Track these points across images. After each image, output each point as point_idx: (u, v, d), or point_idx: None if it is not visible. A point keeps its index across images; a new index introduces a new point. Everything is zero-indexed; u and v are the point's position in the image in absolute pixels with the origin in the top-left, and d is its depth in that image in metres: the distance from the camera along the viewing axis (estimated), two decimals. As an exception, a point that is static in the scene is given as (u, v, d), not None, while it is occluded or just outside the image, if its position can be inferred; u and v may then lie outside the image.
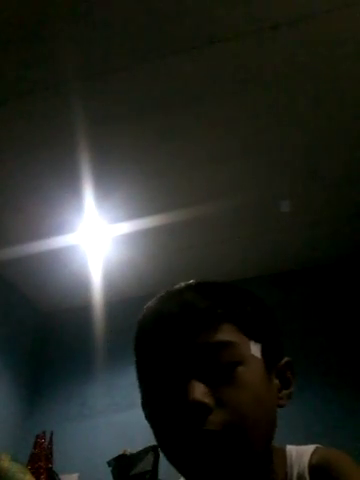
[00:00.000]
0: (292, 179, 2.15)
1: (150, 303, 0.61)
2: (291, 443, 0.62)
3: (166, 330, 0.55)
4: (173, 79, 1.74)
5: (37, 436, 2.13)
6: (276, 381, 0.58)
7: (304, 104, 1.83)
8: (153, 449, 1.97)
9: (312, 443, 0.61)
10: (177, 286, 0.61)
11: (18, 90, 1.75)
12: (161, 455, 2.22)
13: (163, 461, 1.98)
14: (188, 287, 0.60)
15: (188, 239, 2.48)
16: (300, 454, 0.58)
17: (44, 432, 2.16)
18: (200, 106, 1.83)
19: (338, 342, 2.37)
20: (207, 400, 0.50)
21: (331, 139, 1.97)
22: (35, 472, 1.95)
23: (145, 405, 0.60)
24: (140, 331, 0.60)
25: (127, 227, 2.34)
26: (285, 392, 0.58)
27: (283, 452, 0.59)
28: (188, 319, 0.54)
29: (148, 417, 0.59)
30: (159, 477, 1.93)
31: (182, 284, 0.62)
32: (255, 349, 0.55)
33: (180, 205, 2.24)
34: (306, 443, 0.62)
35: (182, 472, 0.54)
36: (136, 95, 1.78)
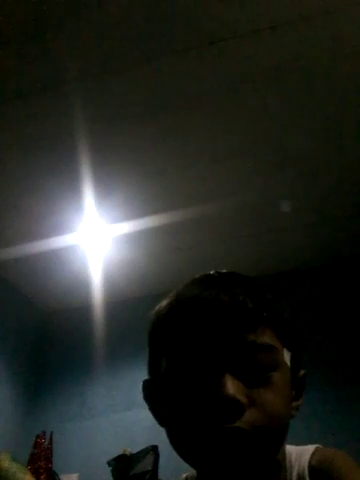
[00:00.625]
0: (292, 179, 2.15)
1: (189, 285, 0.58)
2: (291, 443, 0.62)
3: (212, 317, 0.52)
4: (173, 79, 1.74)
5: (37, 436, 2.14)
6: (293, 392, 0.58)
7: (304, 104, 1.83)
8: (153, 449, 1.97)
9: (312, 443, 0.61)
10: (215, 273, 0.60)
11: (18, 90, 1.75)
12: (161, 455, 2.22)
13: (163, 461, 1.99)
14: (232, 278, 0.58)
15: (188, 239, 2.48)
16: (300, 454, 0.58)
17: (44, 432, 2.16)
18: (200, 106, 1.83)
19: (338, 342, 2.37)
20: (242, 398, 0.49)
21: (331, 139, 1.97)
22: (35, 472, 1.95)
23: (157, 390, 0.57)
24: (177, 308, 0.56)
25: (127, 227, 2.34)
26: (295, 404, 0.58)
27: (283, 452, 0.59)
28: (237, 313, 0.52)
29: (161, 403, 0.56)
30: (159, 477, 1.93)
31: (222, 272, 0.60)
32: (287, 357, 0.55)
33: (180, 205, 2.24)
34: (306, 443, 0.62)
35: (195, 465, 0.53)
36: (136, 95, 1.78)
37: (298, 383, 0.59)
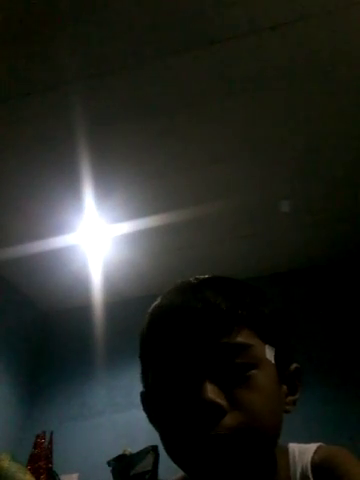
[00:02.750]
0: (292, 179, 2.15)
1: (166, 295, 0.59)
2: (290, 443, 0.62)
3: (184, 325, 0.53)
4: (173, 79, 1.74)
5: (37, 436, 2.13)
6: (284, 387, 0.57)
7: (304, 104, 1.83)
8: (153, 449, 1.97)
9: (312, 443, 0.61)
10: (193, 280, 0.60)
11: (18, 90, 1.75)
12: (161, 455, 2.22)
13: (163, 461, 1.99)
14: (207, 283, 0.58)
15: (188, 239, 2.48)
16: (302, 452, 0.58)
17: (44, 432, 2.16)
18: (200, 106, 1.83)
19: (338, 342, 2.37)
20: (221, 401, 0.49)
21: (331, 139, 1.97)
22: (35, 472, 1.95)
23: (149, 401, 0.59)
24: (154, 322, 0.57)
25: (127, 227, 2.34)
26: (291, 398, 0.58)
27: (286, 450, 0.59)
28: (209, 318, 0.53)
29: (153, 414, 0.58)
30: (159, 477, 1.93)
31: (200, 278, 0.60)
32: (269, 353, 0.55)
33: (180, 205, 2.24)
34: (306, 443, 0.62)
35: (187, 472, 0.53)
36: (136, 95, 1.78)
37: (290, 377, 0.59)
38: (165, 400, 0.53)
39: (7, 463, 1.79)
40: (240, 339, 0.52)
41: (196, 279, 0.60)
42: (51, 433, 2.17)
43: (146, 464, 1.93)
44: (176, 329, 0.53)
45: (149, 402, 0.59)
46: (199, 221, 2.34)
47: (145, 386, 0.60)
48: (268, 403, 0.52)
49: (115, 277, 2.67)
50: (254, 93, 1.78)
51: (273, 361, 0.55)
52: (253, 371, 0.52)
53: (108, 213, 2.27)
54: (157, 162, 2.05)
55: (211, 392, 0.49)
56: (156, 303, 0.59)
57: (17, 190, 2.15)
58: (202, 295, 0.55)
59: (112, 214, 2.27)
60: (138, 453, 2.00)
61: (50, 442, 2.14)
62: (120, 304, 2.81)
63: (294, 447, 0.60)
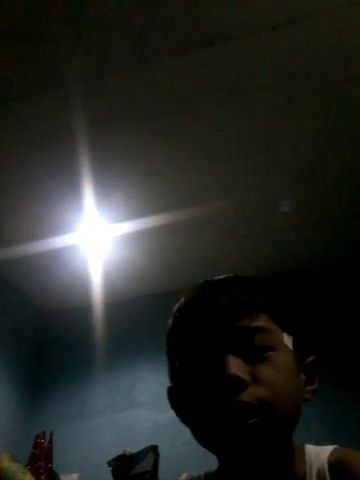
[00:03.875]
0: (292, 179, 2.15)
1: (190, 292, 0.63)
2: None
3: (208, 315, 0.57)
4: (173, 79, 1.74)
5: (37, 436, 2.13)
6: (303, 376, 0.61)
7: (304, 104, 1.83)
8: (153, 449, 1.97)
9: (312, 443, 0.62)
10: (217, 278, 0.64)
11: (18, 90, 1.75)
12: (161, 455, 2.22)
13: (163, 461, 1.99)
14: (229, 280, 0.63)
15: (188, 239, 2.47)
16: (319, 453, 0.59)
17: (44, 432, 2.16)
18: (200, 106, 1.83)
19: (338, 342, 2.37)
20: (243, 375, 0.53)
21: (331, 139, 1.97)
22: (35, 472, 1.95)
23: (177, 392, 0.62)
24: (180, 316, 0.62)
25: (127, 227, 2.34)
26: (310, 388, 0.62)
27: (302, 450, 0.61)
28: (230, 307, 0.57)
29: (181, 401, 0.61)
30: (159, 477, 1.93)
31: (222, 276, 0.65)
32: (287, 340, 0.59)
33: (180, 205, 2.24)
34: (305, 443, 0.62)
35: (210, 444, 0.56)
36: (136, 95, 1.78)
37: (308, 368, 0.63)
38: (192, 381, 0.57)
39: (7, 463, 1.79)
40: (258, 323, 0.57)
41: (218, 277, 0.65)
42: (51, 433, 2.17)
43: (146, 464, 1.93)
44: (200, 319, 0.58)
45: (176, 393, 0.63)
46: (199, 221, 2.34)
47: (172, 378, 0.64)
48: (288, 382, 0.55)
49: (115, 277, 2.67)
50: (254, 93, 1.78)
51: (291, 347, 0.59)
52: (272, 352, 0.56)
53: (108, 213, 2.27)
54: (157, 162, 2.05)
55: (234, 367, 0.53)
56: (180, 301, 0.64)
57: (17, 190, 2.15)
58: (223, 289, 0.60)
59: (112, 214, 2.27)
60: (138, 453, 2.00)
61: (50, 442, 2.14)
62: (120, 304, 2.81)
63: (310, 447, 0.61)
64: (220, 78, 1.73)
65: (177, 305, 0.64)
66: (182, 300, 0.63)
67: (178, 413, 0.64)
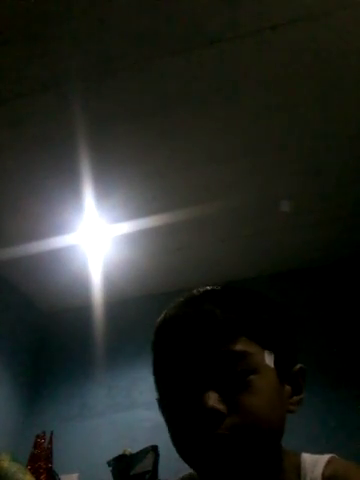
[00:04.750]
0: (292, 179, 2.15)
1: (169, 308, 0.63)
2: (291, 444, 0.63)
3: (184, 339, 0.57)
4: (173, 79, 1.74)
5: (37, 436, 2.14)
6: (288, 387, 0.60)
7: (304, 104, 1.83)
8: (153, 449, 1.97)
9: (312, 444, 0.62)
10: (195, 291, 0.63)
11: (18, 90, 1.75)
12: (161, 455, 2.22)
13: (163, 461, 1.99)
14: (206, 295, 0.62)
15: (188, 239, 2.48)
16: (314, 463, 0.59)
17: (44, 432, 2.16)
18: (200, 106, 1.83)
19: (338, 342, 2.37)
20: (220, 407, 0.52)
21: (332, 139, 1.97)
22: (35, 472, 1.95)
23: (162, 407, 0.62)
24: (158, 335, 0.62)
25: (127, 227, 2.34)
26: (296, 398, 0.60)
27: (297, 458, 0.60)
28: (206, 329, 0.56)
29: (165, 418, 0.61)
30: (159, 477, 1.93)
31: (200, 290, 0.63)
32: (269, 359, 0.57)
33: (180, 205, 2.24)
34: (306, 444, 0.62)
35: (194, 469, 0.57)
36: (136, 95, 1.78)
37: (294, 378, 0.61)
38: (173, 407, 0.58)
39: (7, 463, 1.79)
40: (236, 347, 0.55)
41: (198, 291, 0.63)
42: (51, 433, 2.17)
43: (146, 464, 1.93)
44: (178, 342, 0.58)
45: (162, 408, 0.63)
46: (199, 221, 2.34)
47: (158, 394, 0.63)
48: (266, 405, 0.54)
49: (115, 277, 2.67)
50: (254, 93, 1.78)
51: (272, 365, 0.57)
52: (252, 376, 0.55)
53: (108, 213, 2.27)
54: (157, 162, 2.05)
55: (212, 400, 0.53)
56: (161, 317, 0.63)
57: (17, 190, 2.15)
58: (202, 307, 0.58)
59: (112, 214, 2.27)
60: (138, 453, 2.00)
61: (50, 442, 2.14)
62: (120, 304, 2.81)
63: (306, 456, 0.61)
64: (220, 78, 1.73)
65: (157, 322, 0.63)
66: (161, 317, 0.63)
67: (166, 424, 0.64)
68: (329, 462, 0.58)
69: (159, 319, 0.63)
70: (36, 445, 2.10)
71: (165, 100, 1.80)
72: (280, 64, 1.69)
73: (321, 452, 0.62)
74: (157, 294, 2.78)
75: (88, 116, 1.84)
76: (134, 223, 2.31)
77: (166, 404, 0.60)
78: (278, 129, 1.93)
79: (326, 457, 0.59)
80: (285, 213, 2.27)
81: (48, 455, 2.09)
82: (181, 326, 0.58)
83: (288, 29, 1.58)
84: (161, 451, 1.99)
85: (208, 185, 2.16)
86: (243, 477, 0.52)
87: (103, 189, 2.13)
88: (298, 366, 0.62)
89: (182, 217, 2.29)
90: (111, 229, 2.35)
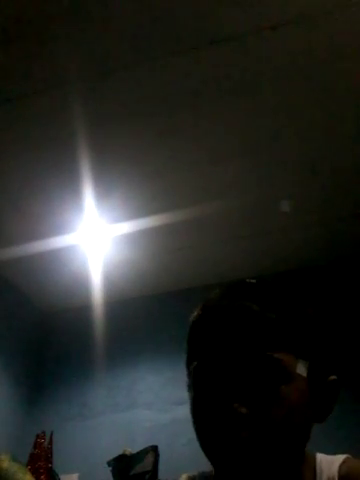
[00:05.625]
0: (292, 179, 2.15)
1: (217, 295, 0.62)
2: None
3: (230, 331, 0.57)
4: (173, 79, 1.74)
5: (37, 436, 2.13)
6: (319, 397, 0.59)
7: (304, 104, 1.83)
8: (153, 449, 1.97)
9: (312, 444, 0.61)
10: (238, 284, 0.63)
11: (18, 90, 1.75)
12: (161, 455, 2.21)
13: (163, 461, 1.99)
14: (249, 290, 0.61)
15: (188, 239, 2.48)
16: (329, 463, 0.59)
17: (44, 432, 2.16)
18: (200, 106, 1.83)
19: (338, 342, 2.37)
20: (246, 411, 0.53)
21: (331, 139, 1.97)
22: (35, 472, 1.95)
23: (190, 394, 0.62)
24: (197, 327, 0.61)
25: (127, 227, 2.34)
26: (324, 409, 0.60)
27: (313, 459, 0.61)
28: (245, 329, 0.56)
29: (191, 408, 0.61)
30: (159, 477, 1.93)
31: (251, 281, 0.63)
32: (302, 368, 0.57)
33: (180, 205, 2.24)
34: (310, 446, 0.62)
35: (214, 466, 0.57)
36: (136, 95, 1.78)
37: (326, 388, 0.60)
38: (200, 396, 0.58)
39: (7, 463, 1.79)
40: (275, 355, 0.55)
41: (242, 283, 0.63)
42: (51, 433, 2.17)
43: (146, 464, 1.93)
44: (228, 330, 0.57)
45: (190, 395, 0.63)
46: (199, 221, 2.34)
47: (188, 375, 0.63)
48: (292, 416, 0.54)
49: (115, 277, 2.67)
50: (254, 93, 1.78)
51: (305, 375, 0.57)
52: (282, 386, 0.54)
53: (108, 213, 2.27)
54: (157, 162, 2.05)
55: (239, 401, 0.53)
56: (208, 298, 0.63)
57: (17, 190, 2.15)
58: (243, 305, 0.58)
59: (112, 214, 2.27)
60: (138, 453, 2.00)
61: (50, 442, 2.14)
62: (120, 304, 2.81)
63: (321, 457, 0.61)
64: (220, 78, 1.73)
65: (195, 314, 0.63)
66: (212, 299, 0.62)
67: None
68: (344, 462, 0.59)
69: (201, 304, 0.63)
70: (36, 445, 2.10)
71: (165, 100, 1.80)
72: (280, 64, 1.69)
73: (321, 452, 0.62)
74: (157, 294, 2.78)
75: (88, 116, 1.84)
76: (134, 223, 2.31)
77: (195, 396, 0.59)
78: (278, 129, 1.92)
79: (341, 457, 0.60)
80: (285, 213, 2.27)
81: (48, 455, 2.09)
82: (227, 317, 0.57)
83: (288, 29, 1.58)
84: (161, 451, 1.99)
85: (208, 185, 2.16)
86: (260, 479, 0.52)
87: (103, 189, 2.13)
88: (332, 377, 0.62)
89: (182, 217, 2.29)
90: (111, 229, 2.35)
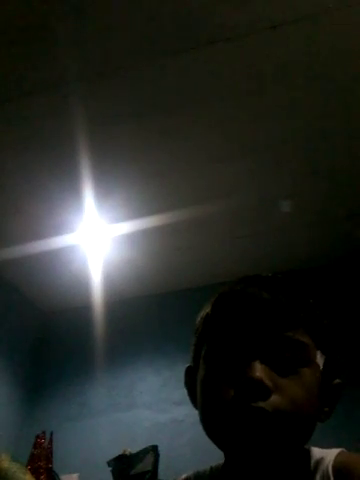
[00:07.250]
0: (292, 179, 2.15)
1: (238, 282, 0.62)
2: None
3: (250, 311, 0.57)
4: (173, 79, 1.74)
5: (37, 436, 2.14)
6: (324, 396, 0.60)
7: (304, 104, 1.83)
8: (153, 449, 1.97)
9: (312, 443, 0.62)
10: (263, 275, 0.64)
11: (18, 90, 1.75)
12: (161, 455, 2.21)
13: (163, 461, 1.99)
14: (277, 280, 0.62)
15: (188, 239, 2.48)
16: (324, 456, 0.59)
17: (44, 432, 2.16)
18: (200, 106, 1.83)
19: (338, 342, 2.37)
20: (268, 382, 0.52)
21: (331, 139, 1.97)
22: (35, 472, 1.95)
23: (195, 374, 0.62)
24: (223, 302, 0.61)
25: (127, 227, 2.34)
26: (326, 410, 0.61)
27: (308, 452, 0.61)
28: (274, 311, 0.57)
29: (196, 385, 0.61)
30: (159, 477, 1.93)
31: (271, 274, 0.64)
32: (320, 359, 0.59)
33: (180, 205, 2.24)
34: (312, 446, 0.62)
35: (219, 442, 0.56)
36: (136, 95, 1.78)
37: (330, 390, 0.62)
38: (214, 370, 0.57)
39: (7, 463, 1.79)
40: (299, 337, 0.56)
41: (266, 275, 0.64)
42: (51, 433, 2.17)
43: (146, 464, 1.93)
44: (242, 312, 0.57)
45: (194, 376, 0.63)
46: (199, 221, 2.34)
47: (195, 359, 0.63)
48: (307, 399, 0.55)
49: (115, 277, 2.67)
50: (254, 93, 1.78)
51: (321, 367, 0.58)
52: (303, 368, 0.56)
53: (108, 213, 2.27)
54: (157, 162, 2.05)
55: (260, 372, 0.53)
56: (226, 287, 0.62)
57: (17, 190, 2.15)
58: (272, 289, 0.59)
59: (112, 214, 2.27)
60: (138, 453, 2.00)
61: (50, 442, 2.14)
62: (120, 304, 2.81)
63: (316, 450, 0.61)
64: (220, 78, 1.73)
65: (221, 290, 0.63)
66: (227, 287, 0.62)
67: (191, 395, 0.65)
68: (339, 454, 0.59)
69: (223, 289, 0.62)
70: (36, 445, 2.10)
71: (165, 100, 1.80)
72: (280, 64, 1.69)
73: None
74: (157, 294, 2.78)
75: (88, 116, 1.84)
76: (134, 223, 2.31)
77: (206, 368, 0.59)
78: (278, 129, 1.92)
79: (336, 451, 0.60)
80: (285, 213, 2.27)
81: (48, 455, 2.09)
82: (249, 299, 0.58)
83: (288, 29, 1.58)
84: (161, 451, 1.99)
85: (208, 185, 2.16)
86: (268, 458, 0.52)
87: (103, 189, 2.13)
88: (338, 381, 0.63)
89: (182, 217, 2.29)
90: (111, 229, 2.36)
